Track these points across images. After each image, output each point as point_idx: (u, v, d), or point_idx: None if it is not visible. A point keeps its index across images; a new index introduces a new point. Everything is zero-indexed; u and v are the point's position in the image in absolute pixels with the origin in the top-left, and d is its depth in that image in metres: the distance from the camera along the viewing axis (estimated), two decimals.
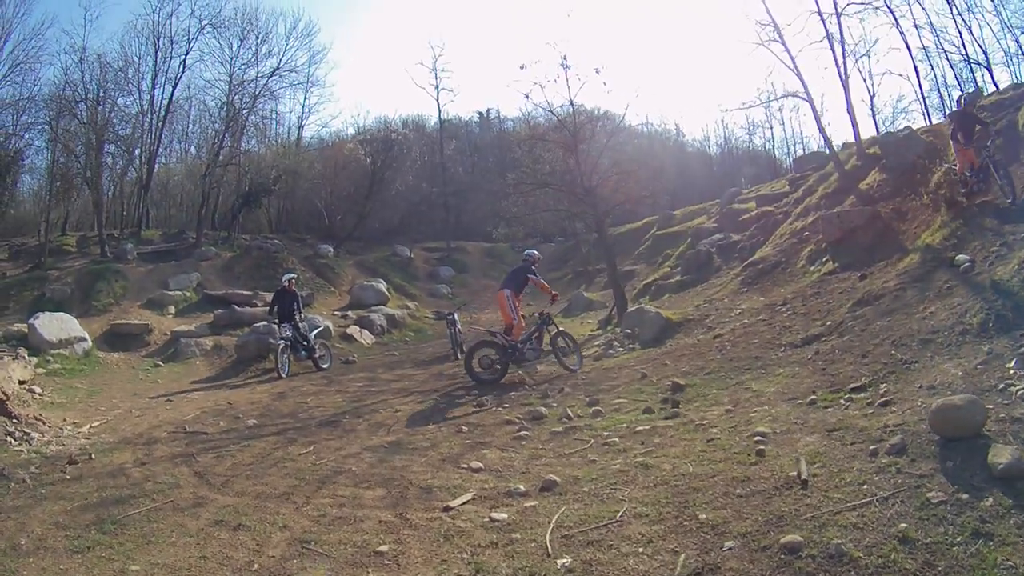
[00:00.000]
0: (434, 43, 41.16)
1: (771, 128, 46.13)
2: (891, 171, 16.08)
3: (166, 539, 5.69)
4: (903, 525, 4.32)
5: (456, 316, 16.62)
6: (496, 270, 30.71)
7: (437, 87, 36.04)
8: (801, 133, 46.38)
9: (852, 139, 20.38)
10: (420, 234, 34.49)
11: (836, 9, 19.71)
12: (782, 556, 4.26)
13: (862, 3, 23.13)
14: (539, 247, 28.81)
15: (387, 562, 5.01)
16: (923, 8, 30.08)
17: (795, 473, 5.43)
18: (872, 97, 29.69)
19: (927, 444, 5.25)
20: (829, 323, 10.90)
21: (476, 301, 26.90)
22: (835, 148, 19.55)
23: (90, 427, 10.47)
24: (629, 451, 7.04)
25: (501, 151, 35.77)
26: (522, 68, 18.11)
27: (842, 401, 7.35)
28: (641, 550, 4.69)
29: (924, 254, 11.54)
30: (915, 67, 31.33)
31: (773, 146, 44.63)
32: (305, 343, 15.76)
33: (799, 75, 20.18)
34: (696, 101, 72.70)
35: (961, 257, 10.20)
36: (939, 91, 29.83)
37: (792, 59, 19.31)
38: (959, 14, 27.53)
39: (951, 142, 12.78)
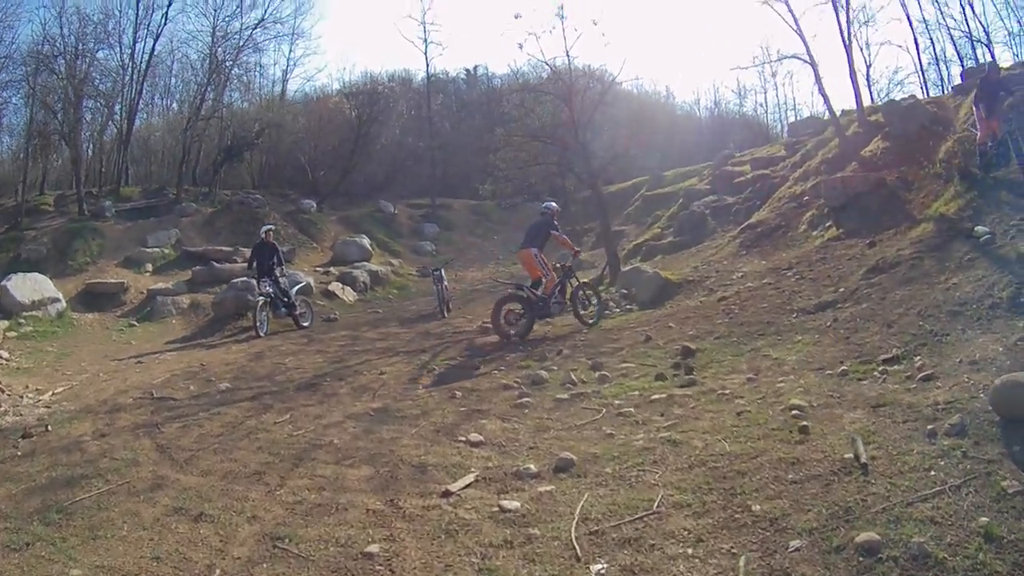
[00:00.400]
0: None
1: (764, 93, 45.12)
2: (895, 139, 15.57)
3: (116, 532, 4.77)
4: (984, 519, 3.68)
5: (443, 273, 15.91)
6: (482, 228, 30.36)
7: (426, 40, 34.37)
8: (794, 100, 46.03)
9: (849, 107, 19.98)
10: (405, 190, 33.37)
11: None
12: (860, 559, 3.54)
13: None
14: (526, 205, 28.64)
15: (379, 567, 4.09)
16: None
17: (851, 455, 4.76)
18: (868, 67, 29.05)
19: (988, 425, 4.72)
20: (842, 289, 10.30)
21: (461, 259, 26.14)
22: (836, 114, 18.73)
23: (52, 394, 9.56)
24: (649, 423, 6.24)
25: (489, 108, 34.60)
26: (517, 17, 17.25)
27: (876, 373, 6.75)
28: (691, 551, 3.88)
29: (939, 224, 11.06)
30: (915, 39, 30.72)
31: (766, 111, 44.38)
32: (285, 299, 14.91)
33: (802, 36, 19.76)
34: (688, 63, 71.02)
35: (980, 229, 9.85)
36: (937, 65, 29.76)
37: (795, 20, 18.87)
38: None
39: (974, 109, 12.24)
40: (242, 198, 26.84)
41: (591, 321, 11.67)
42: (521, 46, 17.59)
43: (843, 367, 7.12)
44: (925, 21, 31.03)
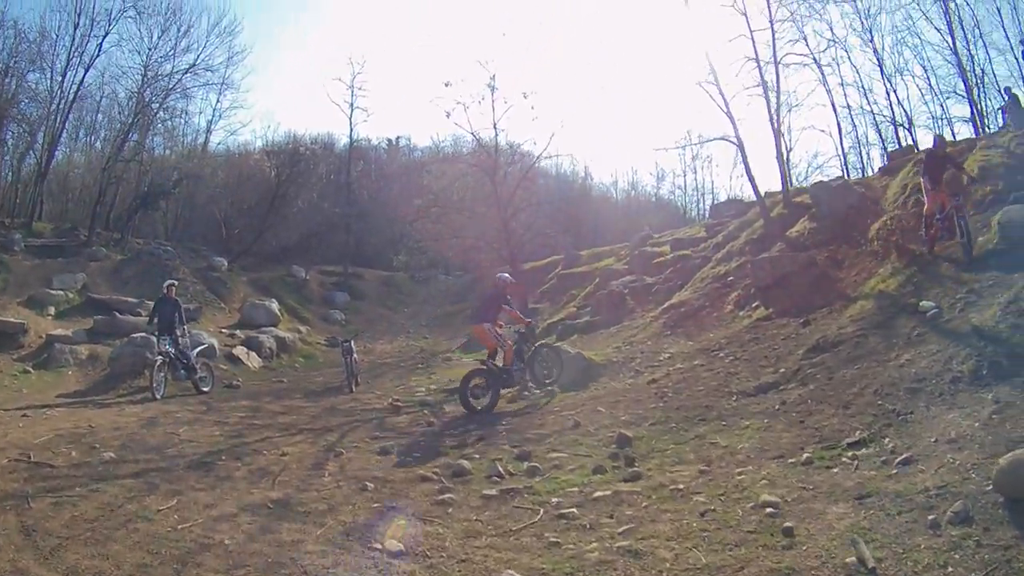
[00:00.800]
0: (354, 59, 39.16)
1: (684, 176, 46.30)
2: (823, 219, 15.66)
3: None
4: None
5: (352, 344, 14.89)
6: (393, 299, 29.59)
7: (352, 105, 33.05)
8: (712, 184, 46.87)
9: (771, 189, 20.42)
10: (318, 256, 31.99)
11: (775, 58, 19.44)
12: None
13: (800, 55, 24.02)
14: (439, 279, 28.06)
15: None
16: (853, 67, 31.05)
17: (853, 559, 4.17)
18: (788, 152, 30.28)
19: (993, 508, 4.45)
20: (783, 370, 9.84)
21: (371, 330, 25.10)
22: (761, 195, 18.92)
23: None
24: (599, 528, 5.27)
25: (408, 180, 34.03)
26: (447, 85, 16.53)
27: (845, 459, 6.25)
28: None
29: (879, 300, 10.94)
30: (839, 124, 32.24)
31: (684, 194, 45.34)
32: (184, 361, 13.82)
33: (731, 118, 19.20)
34: (610, 144, 72.76)
35: (926, 303, 9.73)
36: (859, 149, 31.60)
37: (726, 102, 18.75)
38: (887, 77, 29.23)
39: (922, 180, 12.14)
40: (153, 248, 25.40)
41: (549, 384, 12.04)
42: (448, 115, 17.02)
43: (806, 454, 6.53)
44: (848, 107, 32.08)
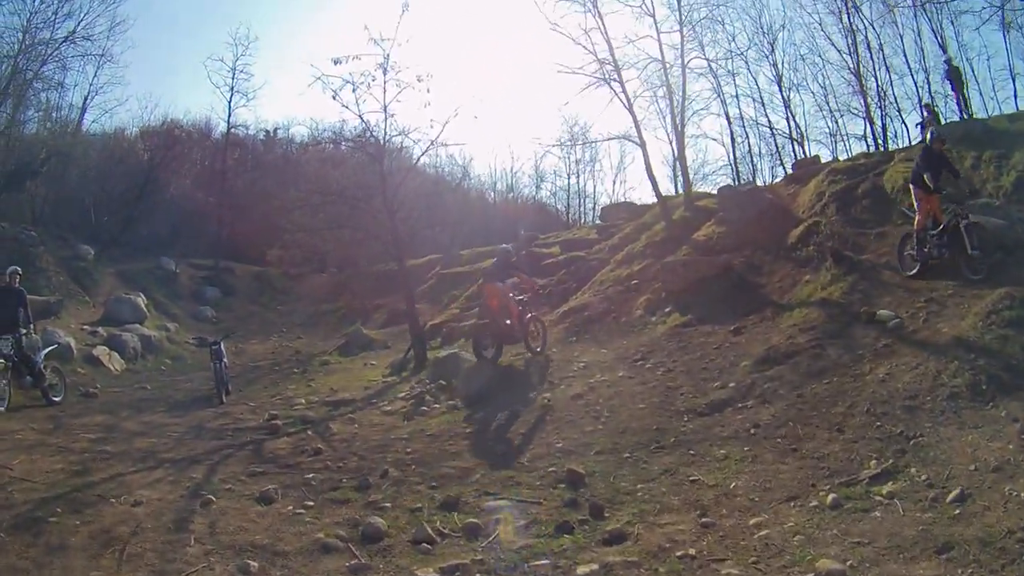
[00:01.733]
0: (239, 38, 35.67)
1: (568, 178, 45.33)
2: (732, 224, 15.03)
3: None
4: None
5: (222, 347, 12.89)
6: (265, 296, 27.98)
7: (232, 88, 30.95)
8: (595, 188, 46.14)
9: (664, 194, 19.70)
10: (190, 248, 29.85)
11: (682, 61, 18.98)
12: None
13: (707, 59, 23.48)
14: (313, 277, 27.00)
15: None
16: (752, 78, 31.66)
17: None
18: (674, 159, 30.78)
19: None
20: (733, 384, 8.74)
21: (242, 329, 22.98)
22: (663, 197, 18.55)
23: None
24: None
25: (285, 172, 31.43)
26: (337, 63, 14.36)
27: (878, 498, 5.28)
28: None
29: (825, 308, 10.18)
30: (731, 134, 31.56)
31: (568, 196, 43.54)
32: (30, 366, 11.38)
33: (634, 116, 18.34)
34: (489, 144, 70.58)
35: (884, 313, 9.23)
36: (750, 160, 31.22)
37: (629, 101, 18.04)
38: (784, 91, 29.10)
39: (911, 187, 10.74)
40: (17, 233, 21.82)
41: (538, 349, 12.12)
42: (336, 95, 14.95)
43: (828, 494, 5.40)
44: (742, 118, 31.88)
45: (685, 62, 19.02)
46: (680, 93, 19.05)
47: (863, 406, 6.96)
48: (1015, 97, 25.09)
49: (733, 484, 5.86)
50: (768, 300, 11.71)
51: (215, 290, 26.82)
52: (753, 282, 12.65)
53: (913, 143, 19.11)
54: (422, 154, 17.25)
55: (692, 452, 6.89)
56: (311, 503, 6.27)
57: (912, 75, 27.30)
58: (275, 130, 40.61)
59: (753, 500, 5.48)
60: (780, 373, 8.52)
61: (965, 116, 17.76)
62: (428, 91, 15.12)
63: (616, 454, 7.15)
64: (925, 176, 10.09)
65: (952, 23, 26.36)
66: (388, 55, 14.19)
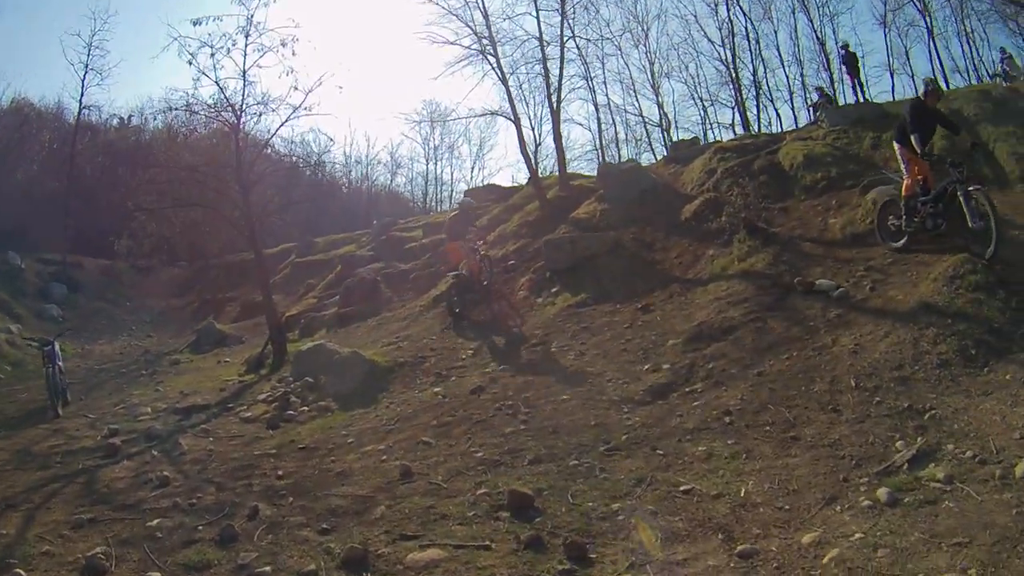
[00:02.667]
0: (97, 11, 31.63)
1: (426, 164, 43.50)
2: (615, 201, 14.21)
3: None
4: None
5: (56, 347, 11.00)
6: (112, 291, 25.37)
7: (87, 66, 27.32)
8: (451, 175, 44.71)
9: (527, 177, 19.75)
10: (39, 241, 26.49)
11: (562, 38, 18.26)
12: None
13: (587, 39, 23.25)
14: (162, 270, 26.08)
15: None
16: (625, 64, 33.94)
17: None
18: (537, 145, 30.50)
19: None
20: (667, 366, 7.52)
21: (88, 328, 20.70)
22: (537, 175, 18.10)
23: None
24: None
25: (136, 159, 28.47)
26: (196, 24, 12.39)
27: (935, 486, 4.21)
28: None
29: (750, 281, 9.19)
30: (598, 120, 31.50)
31: (426, 183, 42.09)
32: None
33: (508, 92, 17.33)
34: (343, 127, 66.87)
35: (825, 283, 8.40)
36: (616, 146, 31.42)
37: (503, 75, 17.18)
38: (654, 79, 29.78)
39: (895, 146, 8.99)
40: None
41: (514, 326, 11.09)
42: (192, 60, 12.86)
43: (863, 487, 4.37)
44: (610, 103, 31.98)
45: (564, 40, 18.43)
46: (558, 71, 18.35)
47: (847, 380, 6.02)
48: (892, 92, 27.17)
49: (743, 491, 4.50)
50: (671, 276, 10.74)
51: (62, 287, 24.06)
52: (648, 258, 11.66)
53: (799, 126, 19.46)
54: (281, 124, 15.76)
55: (660, 452, 5.48)
56: (164, 564, 4.22)
57: (784, 67, 29.20)
58: (129, 117, 37.01)
59: (783, 510, 4.16)
60: (721, 351, 7.43)
61: (861, 100, 17.84)
62: (293, 54, 13.84)
63: (558, 462, 5.57)
64: (912, 138, 8.31)
65: (831, 21, 28.69)
66: (252, 16, 12.76)
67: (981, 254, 7.43)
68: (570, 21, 20.15)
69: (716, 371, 7.00)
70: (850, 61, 18.46)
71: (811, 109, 19.28)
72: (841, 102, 20.02)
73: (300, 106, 13.23)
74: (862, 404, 5.65)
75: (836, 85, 25.70)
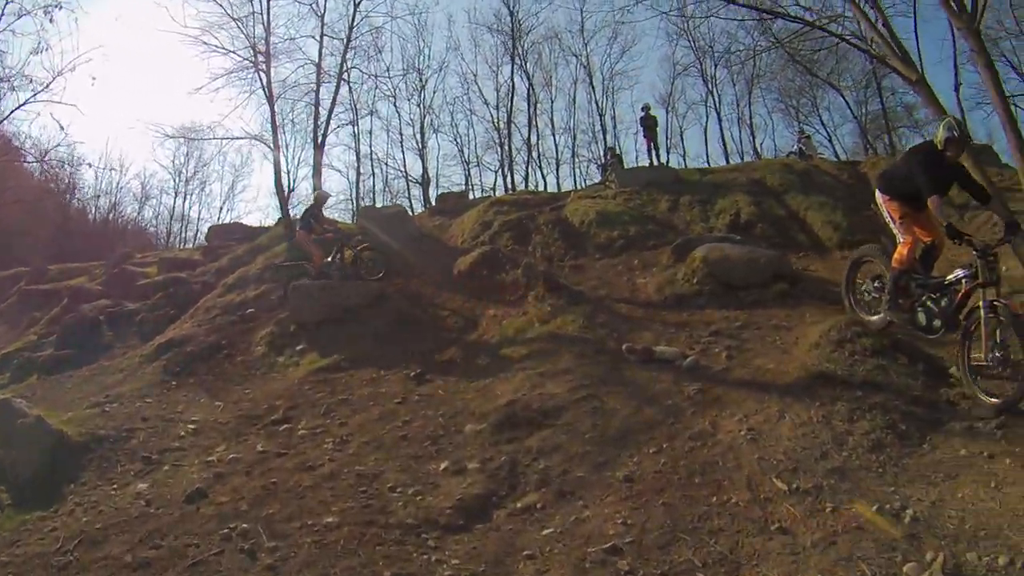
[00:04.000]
0: None
1: (174, 198, 39.19)
2: (377, 248, 12.72)
3: None
4: None
5: None
6: None
7: None
8: (198, 214, 40.43)
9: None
10: None
11: (341, 69, 17.89)
12: None
13: (365, 72, 22.31)
14: None
15: None
16: (396, 111, 32.43)
17: None
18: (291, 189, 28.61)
19: None
20: (474, 466, 5.09)
21: None
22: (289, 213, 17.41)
23: None
24: None
25: None
26: None
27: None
28: None
29: (563, 347, 7.25)
30: (358, 167, 30.47)
31: (171, 219, 38.60)
32: None
33: (273, 117, 16.39)
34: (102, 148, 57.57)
35: (668, 350, 6.81)
36: (373, 197, 30.46)
37: (270, 95, 16.23)
38: (423, 133, 29.15)
39: (879, 197, 6.09)
40: None
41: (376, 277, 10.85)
42: None
43: None
44: (372, 152, 30.88)
45: (342, 71, 17.99)
46: (329, 105, 17.60)
47: (768, 482, 4.20)
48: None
49: None
50: (448, 338, 8.70)
51: None
52: (419, 316, 9.61)
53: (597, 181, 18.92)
54: (19, 106, 13.52)
55: None
56: None
57: (554, 135, 29.91)
58: None
59: None
60: (551, 442, 5.19)
61: (656, 163, 17.67)
62: (52, 21, 12.86)
63: None
64: (931, 200, 5.34)
65: (610, 96, 30.17)
66: None
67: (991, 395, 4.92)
68: (351, 54, 19.25)
69: (554, 474, 4.72)
70: (649, 123, 18.05)
71: (601, 168, 19.10)
72: (628, 164, 20.03)
73: (46, 87, 12.11)
74: (813, 515, 3.86)
75: (623, 154, 26.22)
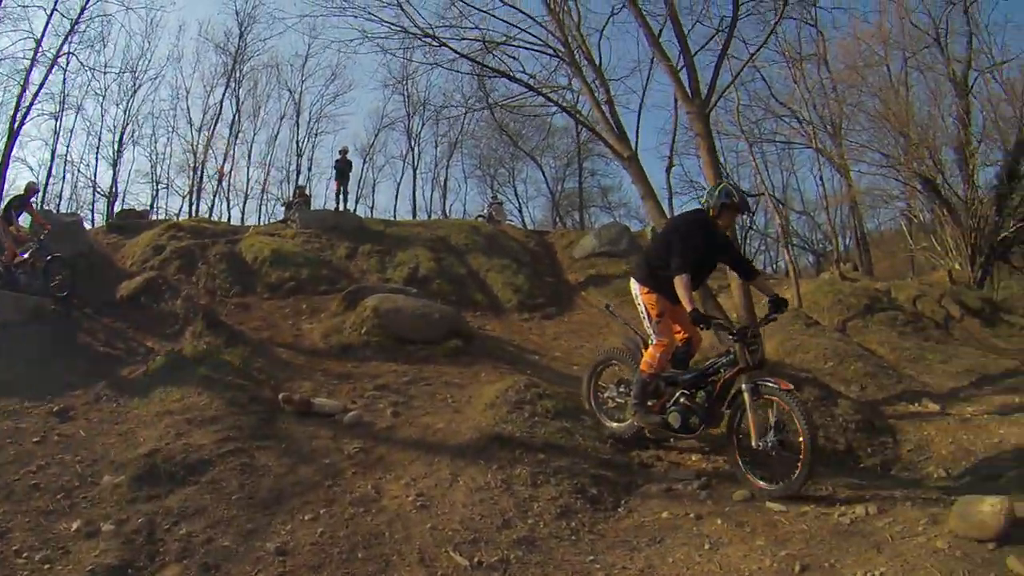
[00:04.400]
0: None
1: None
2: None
3: None
4: None
5: None
6: None
7: None
8: None
9: None
10: None
11: (59, 53, 17.23)
12: None
13: (86, 66, 21.65)
14: None
15: None
16: (101, 115, 33.72)
17: None
18: None
19: None
20: (110, 527, 4.35)
21: None
22: None
23: None
24: None
25: None
26: None
27: None
28: None
29: (214, 392, 6.32)
30: (51, 170, 27.20)
31: None
32: None
33: None
34: None
35: (328, 402, 6.49)
36: (58, 204, 27.25)
37: None
38: (121, 142, 27.54)
39: (638, 298, 5.45)
40: None
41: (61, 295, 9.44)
42: None
43: None
44: (68, 156, 27.89)
45: (59, 55, 17.34)
46: (36, 88, 16.87)
47: (445, 555, 4.03)
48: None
49: None
50: (99, 369, 7.52)
51: None
52: (80, 340, 8.46)
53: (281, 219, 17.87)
54: None
55: None
56: None
57: (248, 167, 31.61)
58: None
59: None
60: (195, 502, 4.67)
61: (343, 208, 17.23)
62: None
63: None
64: (678, 279, 4.87)
65: (313, 138, 31.34)
66: None
67: (766, 481, 4.72)
68: (76, 38, 18.36)
69: (198, 542, 4.21)
70: (343, 167, 17.66)
71: (286, 206, 18.32)
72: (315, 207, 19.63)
73: None
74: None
75: (312, 197, 26.73)
